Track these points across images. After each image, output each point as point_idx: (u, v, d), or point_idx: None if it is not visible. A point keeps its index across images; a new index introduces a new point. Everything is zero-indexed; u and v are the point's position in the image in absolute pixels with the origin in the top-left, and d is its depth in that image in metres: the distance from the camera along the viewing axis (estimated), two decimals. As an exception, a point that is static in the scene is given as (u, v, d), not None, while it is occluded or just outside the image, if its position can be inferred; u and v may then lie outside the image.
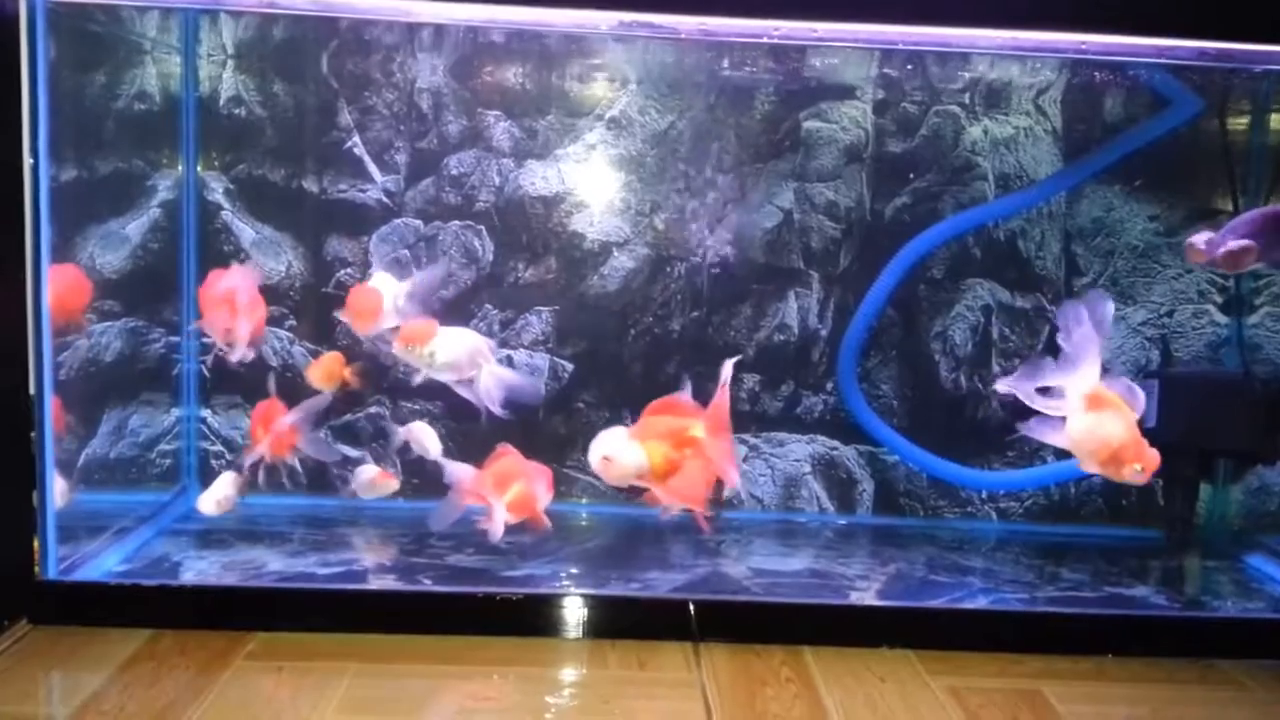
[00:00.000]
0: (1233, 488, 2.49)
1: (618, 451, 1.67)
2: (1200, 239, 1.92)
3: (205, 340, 2.31)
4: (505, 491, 1.82)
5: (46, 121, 1.74)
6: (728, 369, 1.71)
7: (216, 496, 2.01)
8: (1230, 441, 2.27)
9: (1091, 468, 1.65)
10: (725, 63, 2.40)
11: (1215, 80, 2.33)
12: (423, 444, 2.12)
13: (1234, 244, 1.80)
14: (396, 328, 1.90)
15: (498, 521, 1.79)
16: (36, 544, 1.83)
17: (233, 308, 1.91)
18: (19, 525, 1.81)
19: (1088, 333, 1.60)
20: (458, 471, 1.83)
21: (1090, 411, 1.62)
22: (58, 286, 1.82)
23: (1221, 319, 2.49)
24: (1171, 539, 2.40)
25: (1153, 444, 2.33)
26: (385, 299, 1.91)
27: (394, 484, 2.16)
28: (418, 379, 1.93)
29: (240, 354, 1.93)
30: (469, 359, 1.88)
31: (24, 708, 1.57)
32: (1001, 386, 1.68)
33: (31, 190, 1.74)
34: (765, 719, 1.60)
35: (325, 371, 2.10)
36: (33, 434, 1.80)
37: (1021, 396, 1.65)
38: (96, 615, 1.83)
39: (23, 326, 1.77)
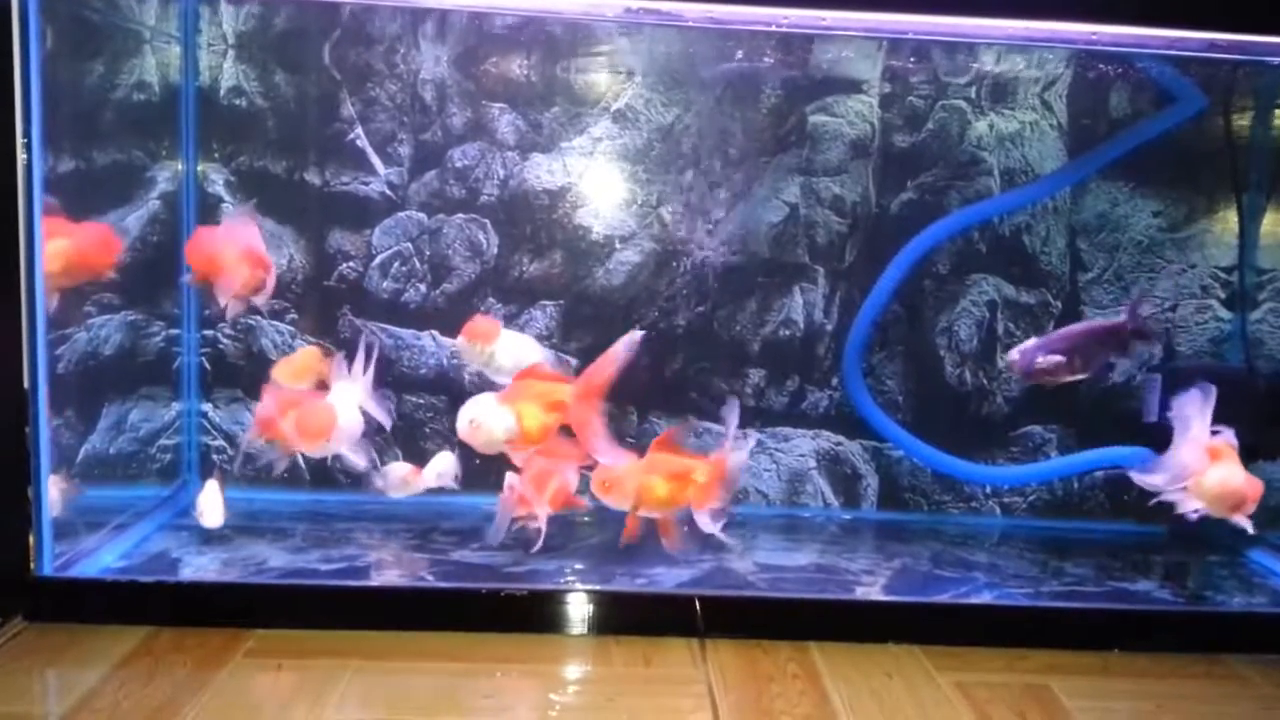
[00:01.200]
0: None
1: (485, 415, 1.67)
2: (1016, 351, 2.00)
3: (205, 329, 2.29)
4: (545, 492, 1.87)
5: (41, 112, 1.72)
6: (626, 340, 1.71)
7: (217, 507, 1.98)
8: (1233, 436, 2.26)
9: (1219, 512, 1.79)
10: (731, 56, 2.39)
11: (1220, 75, 2.32)
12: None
13: (1043, 360, 1.86)
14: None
15: (542, 524, 1.86)
16: (32, 540, 1.81)
17: (217, 261, 1.83)
18: (14, 521, 1.79)
19: (1196, 406, 1.76)
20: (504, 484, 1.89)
21: (1216, 466, 1.77)
22: (85, 242, 1.79)
23: (1225, 314, 2.49)
24: (1174, 534, 2.39)
25: (1156, 439, 2.34)
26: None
27: (425, 482, 2.10)
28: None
29: (234, 308, 1.86)
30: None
31: (18, 706, 1.55)
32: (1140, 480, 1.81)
33: (25, 182, 1.72)
34: (772, 716, 1.58)
35: (297, 369, 1.99)
36: (27, 429, 1.78)
37: (1161, 486, 1.80)
38: (93, 612, 1.81)
39: (17, 320, 1.74)
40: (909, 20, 1.83)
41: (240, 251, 1.83)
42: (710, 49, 2.38)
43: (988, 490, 2.53)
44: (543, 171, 2.39)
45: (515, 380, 1.75)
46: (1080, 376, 1.91)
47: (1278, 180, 2.45)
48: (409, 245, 2.40)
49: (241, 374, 2.38)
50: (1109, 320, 1.97)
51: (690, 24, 1.87)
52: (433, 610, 1.85)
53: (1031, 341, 2.00)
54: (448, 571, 1.99)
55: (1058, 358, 1.87)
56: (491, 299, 2.42)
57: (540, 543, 1.92)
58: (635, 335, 1.75)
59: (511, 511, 1.91)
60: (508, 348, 1.87)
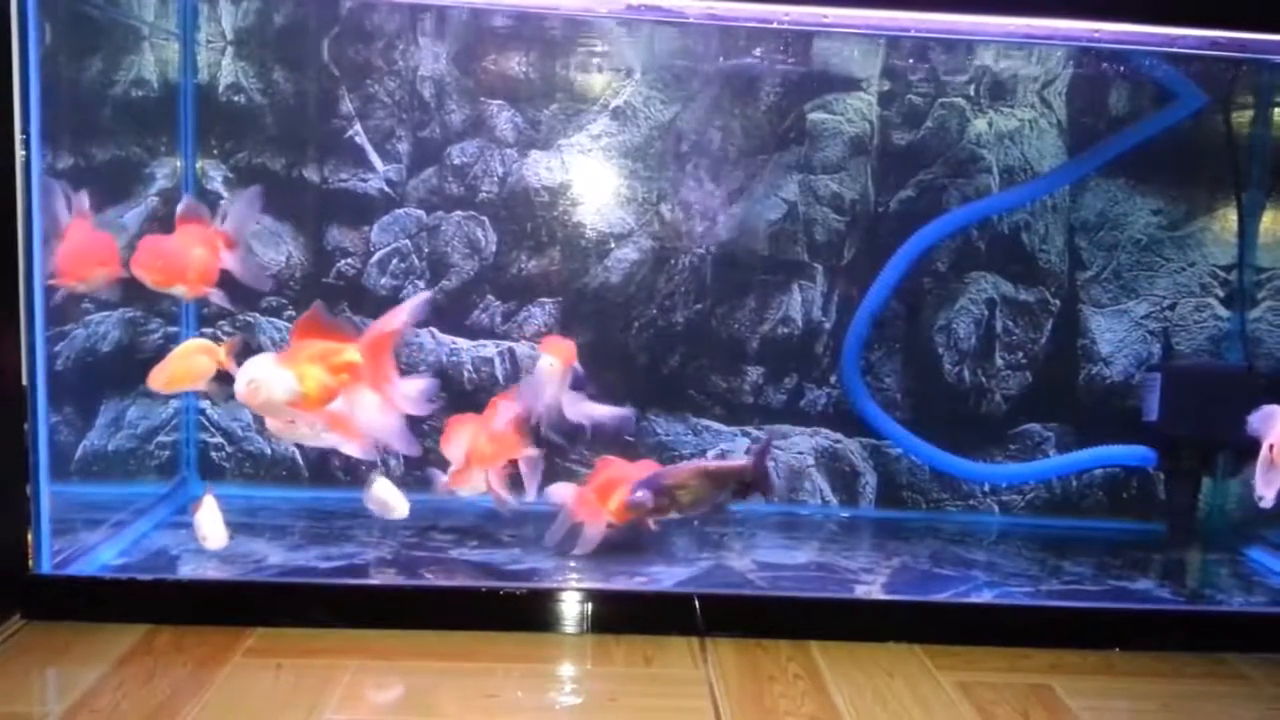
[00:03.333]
0: (1234, 481, 2.49)
1: (264, 376, 1.60)
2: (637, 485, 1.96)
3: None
4: (610, 501, 1.90)
5: (39, 108, 1.71)
6: (412, 301, 1.70)
7: (219, 529, 1.95)
8: (1232, 435, 2.26)
9: None
10: (730, 53, 2.38)
11: (1219, 73, 2.32)
12: (385, 504, 2.00)
13: (630, 497, 1.88)
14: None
15: (593, 533, 1.91)
16: (30, 537, 1.80)
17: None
18: (12, 518, 1.78)
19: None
20: (561, 491, 1.94)
21: None
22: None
23: (1224, 313, 2.49)
24: (1174, 532, 2.40)
25: (1154, 438, 2.34)
26: None
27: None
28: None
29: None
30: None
31: (16, 705, 1.54)
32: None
33: (24, 178, 1.71)
34: (775, 716, 1.58)
35: (172, 376, 1.85)
36: (26, 426, 1.77)
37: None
38: (91, 610, 1.80)
39: (15, 317, 1.73)
40: (909, 18, 1.83)
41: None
42: (710, 46, 2.37)
43: (986, 488, 2.53)
44: (541, 168, 2.39)
45: (295, 339, 1.66)
46: (685, 514, 1.92)
47: (1277, 178, 2.45)
48: (407, 242, 2.40)
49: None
50: (732, 463, 1.96)
51: (690, 20, 1.87)
52: (433, 609, 1.85)
53: (649, 474, 1.95)
54: (448, 570, 1.98)
55: (643, 493, 1.88)
56: (490, 296, 2.41)
57: (585, 547, 1.95)
58: (424, 295, 1.74)
59: (572, 516, 1.94)
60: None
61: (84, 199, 1.79)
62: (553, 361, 1.95)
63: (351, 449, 1.78)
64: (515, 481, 2.00)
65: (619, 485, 1.93)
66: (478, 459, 1.94)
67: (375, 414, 1.70)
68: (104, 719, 1.49)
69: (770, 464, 1.93)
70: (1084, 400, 2.50)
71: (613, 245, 2.41)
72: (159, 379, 1.85)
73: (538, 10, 2.25)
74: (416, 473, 2.38)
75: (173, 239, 1.81)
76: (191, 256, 1.80)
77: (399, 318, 1.68)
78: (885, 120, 2.43)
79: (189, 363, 1.85)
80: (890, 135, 2.43)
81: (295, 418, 1.70)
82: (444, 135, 2.38)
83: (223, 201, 2.27)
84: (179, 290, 1.81)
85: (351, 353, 1.65)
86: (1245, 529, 2.47)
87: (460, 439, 1.94)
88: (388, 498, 1.99)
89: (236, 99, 2.34)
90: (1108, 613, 1.96)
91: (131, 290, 2.25)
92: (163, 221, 2.32)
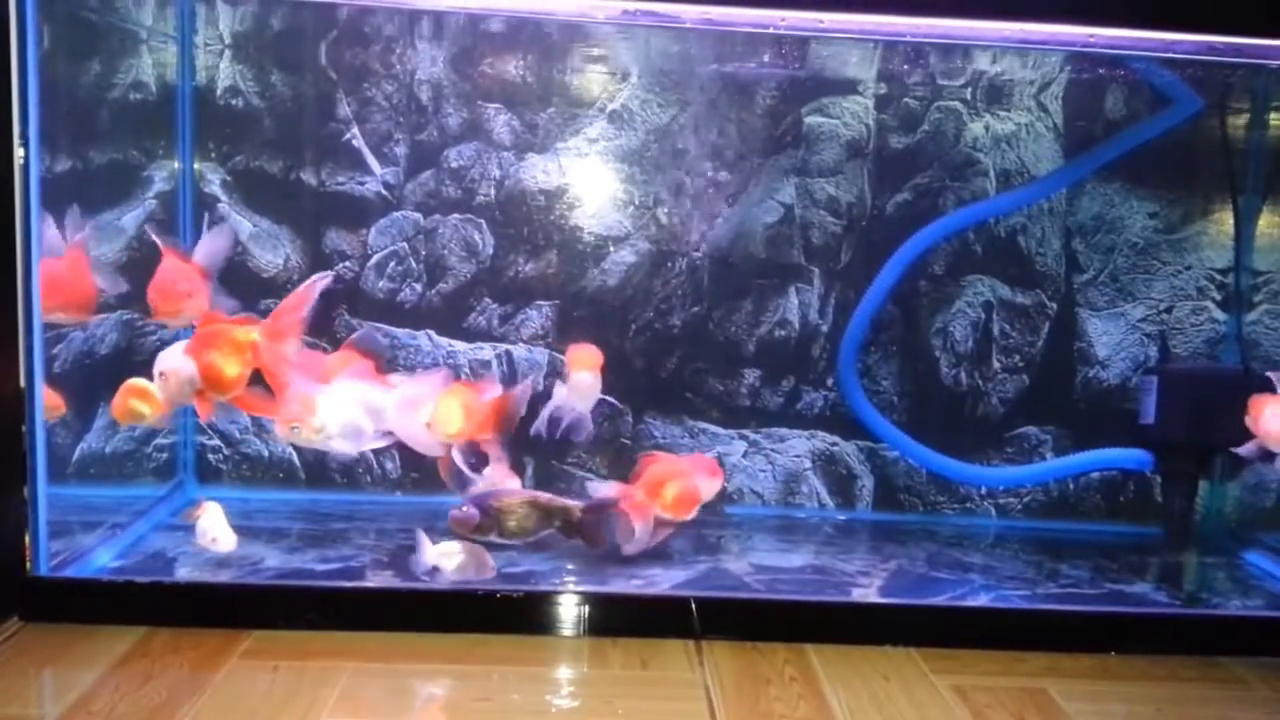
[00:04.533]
0: (1230, 484, 2.49)
1: (173, 366, 1.69)
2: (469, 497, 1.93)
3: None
4: (659, 497, 1.90)
5: (37, 110, 1.72)
6: (311, 282, 1.73)
7: (227, 531, 1.94)
8: (1229, 437, 2.27)
9: None
10: (727, 57, 2.39)
11: (1216, 78, 2.33)
12: (210, 534, 1.91)
13: (457, 511, 1.84)
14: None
15: (642, 531, 1.91)
16: (28, 539, 1.80)
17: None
18: (10, 520, 1.78)
19: None
20: (603, 490, 1.94)
21: None
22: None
23: (1220, 315, 2.49)
24: (1170, 535, 2.40)
25: (1151, 441, 2.35)
26: None
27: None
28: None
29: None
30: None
31: (12, 707, 1.54)
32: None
33: (22, 180, 1.72)
34: (771, 719, 1.58)
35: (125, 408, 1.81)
36: (24, 427, 1.77)
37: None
38: (89, 612, 1.80)
39: (13, 319, 1.74)
40: (905, 23, 1.82)
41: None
42: (706, 50, 2.38)
43: (983, 491, 2.54)
44: (538, 172, 2.39)
45: (199, 328, 1.72)
46: (507, 540, 1.88)
47: (1273, 182, 2.45)
48: (405, 245, 2.40)
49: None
50: (564, 501, 1.92)
51: (687, 25, 1.87)
52: (430, 612, 1.85)
53: (482, 488, 1.92)
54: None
55: (483, 515, 1.84)
56: (488, 299, 2.42)
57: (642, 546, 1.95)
58: (325, 276, 1.75)
59: (630, 515, 1.93)
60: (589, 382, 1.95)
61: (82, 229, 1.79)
62: (590, 378, 1.96)
63: (345, 448, 1.78)
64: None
65: (670, 480, 1.93)
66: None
67: (401, 418, 1.72)
68: (100, 721, 1.49)
69: (605, 517, 1.91)
70: (1081, 403, 2.50)
71: (609, 248, 2.42)
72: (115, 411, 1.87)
73: (534, 15, 2.25)
74: (414, 475, 2.40)
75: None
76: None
77: (300, 301, 1.71)
78: (882, 124, 2.43)
79: (124, 404, 1.85)
80: (887, 139, 2.43)
81: (299, 422, 1.71)
82: (441, 138, 2.38)
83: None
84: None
85: (250, 332, 1.71)
86: (1242, 532, 2.47)
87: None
88: (211, 529, 1.91)
89: (234, 102, 2.34)
90: (1103, 616, 1.96)
91: (128, 291, 2.27)
92: (162, 224, 2.33)
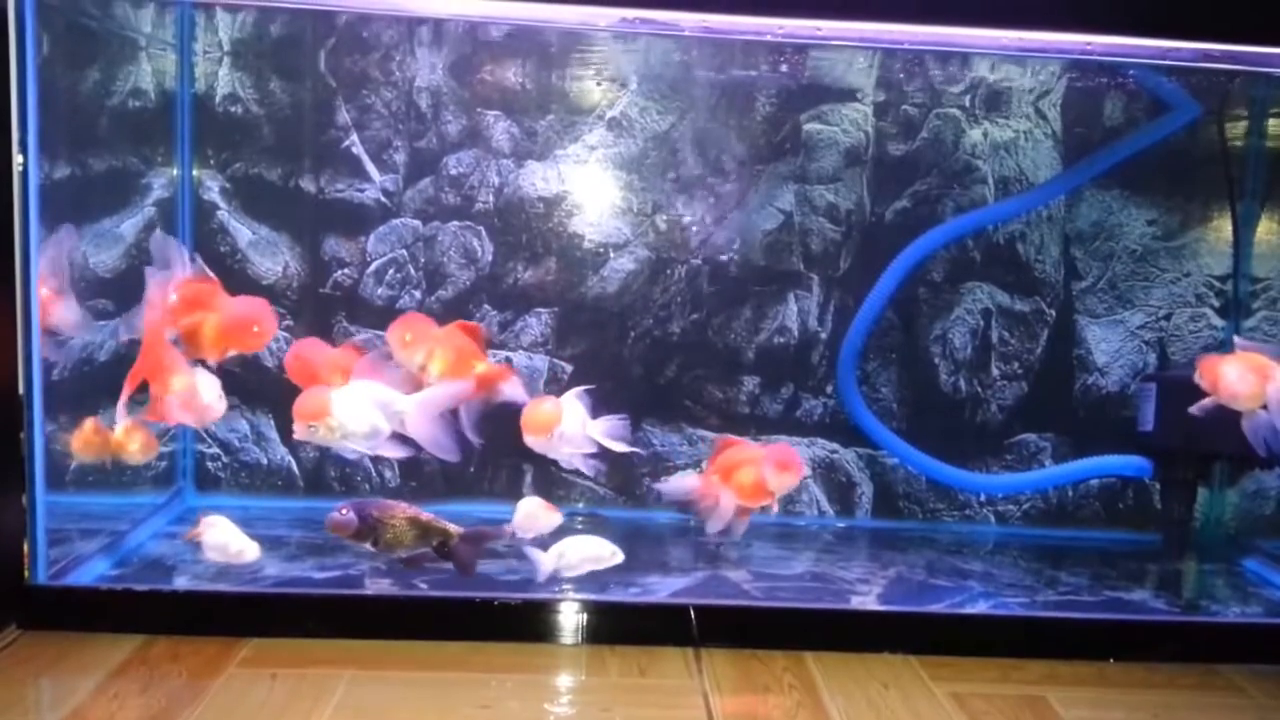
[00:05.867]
0: (1229, 491, 2.49)
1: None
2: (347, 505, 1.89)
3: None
4: (732, 481, 1.89)
5: (36, 117, 1.72)
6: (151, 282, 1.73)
7: (247, 541, 1.92)
8: (1228, 445, 2.27)
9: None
10: (726, 64, 2.39)
11: (1214, 84, 2.33)
12: (232, 546, 1.87)
13: (336, 515, 1.82)
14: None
15: (722, 514, 1.90)
16: (26, 547, 1.80)
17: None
18: (8, 528, 1.78)
19: None
20: (683, 483, 1.95)
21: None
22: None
23: (1219, 322, 2.49)
24: (1169, 542, 2.40)
25: (1150, 448, 2.34)
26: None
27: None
28: None
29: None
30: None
31: (11, 715, 1.54)
32: None
33: (20, 188, 1.72)
34: (769, 726, 1.59)
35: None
36: (22, 435, 1.77)
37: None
38: (87, 620, 1.80)
39: (12, 326, 1.74)
40: (903, 31, 1.83)
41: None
42: (705, 57, 2.38)
43: (982, 498, 2.53)
44: (537, 179, 2.39)
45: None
46: (380, 551, 1.86)
47: (1271, 189, 2.46)
48: (404, 252, 2.40)
49: (236, 381, 2.37)
50: (443, 523, 1.89)
51: (686, 33, 1.87)
52: (428, 619, 1.85)
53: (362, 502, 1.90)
54: (443, 580, 1.98)
55: (361, 522, 1.82)
56: (487, 306, 2.42)
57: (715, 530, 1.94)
58: (161, 276, 1.74)
59: (710, 503, 1.92)
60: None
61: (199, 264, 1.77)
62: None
63: (362, 449, 1.77)
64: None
65: (744, 465, 1.91)
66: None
67: (423, 423, 1.73)
68: (98, 730, 1.49)
69: (480, 549, 1.90)
70: (1080, 410, 2.50)
71: (609, 255, 2.42)
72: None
73: (533, 23, 2.25)
74: (412, 484, 2.40)
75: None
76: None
77: (149, 302, 1.71)
78: (881, 131, 2.43)
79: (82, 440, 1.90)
80: (886, 146, 2.44)
81: (316, 421, 1.71)
82: (440, 146, 2.38)
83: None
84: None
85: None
86: (1241, 539, 2.47)
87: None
88: (232, 541, 1.87)
89: (233, 109, 2.34)
90: (1101, 624, 1.96)
91: (126, 298, 2.27)
92: (161, 228, 2.33)
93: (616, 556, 1.90)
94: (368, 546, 1.84)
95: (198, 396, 1.75)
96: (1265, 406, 1.89)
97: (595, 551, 1.89)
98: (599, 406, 1.89)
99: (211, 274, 1.75)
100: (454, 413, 1.80)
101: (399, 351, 1.80)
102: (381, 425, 1.72)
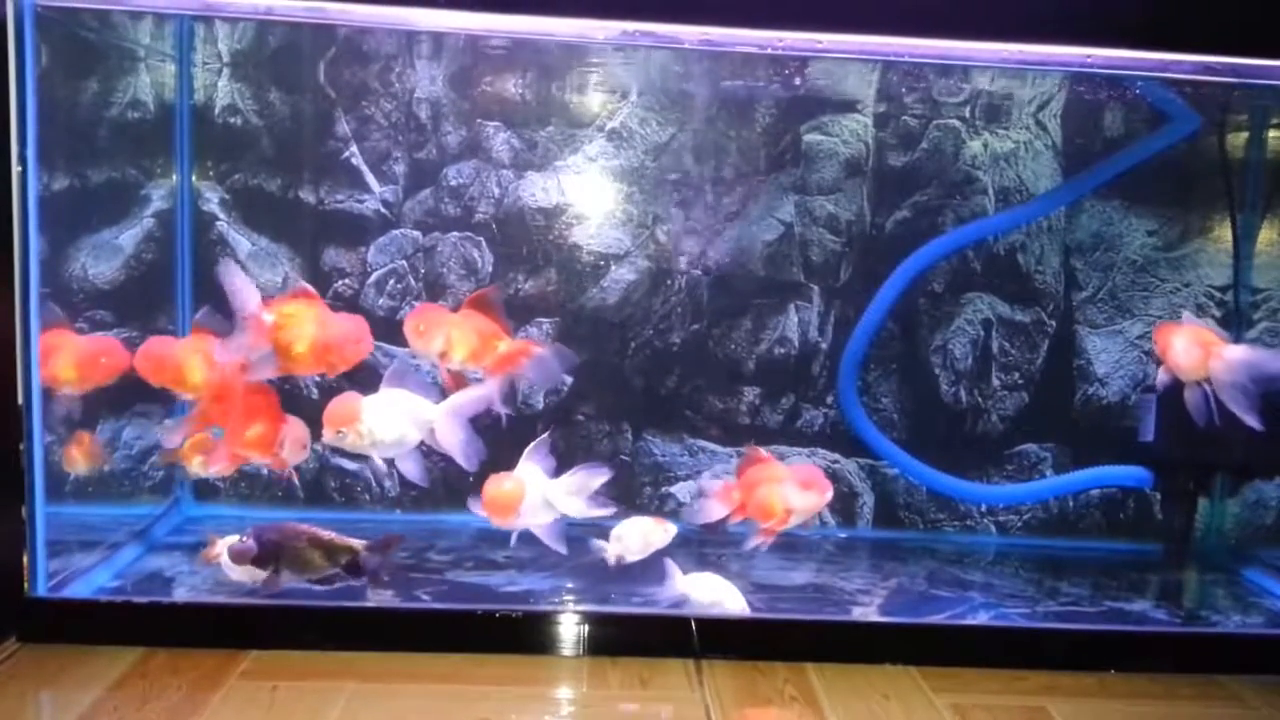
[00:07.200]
0: (1230, 502, 2.49)
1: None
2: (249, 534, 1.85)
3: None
4: (755, 502, 1.85)
5: (35, 129, 1.72)
6: None
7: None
8: (1228, 455, 2.27)
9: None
10: (726, 75, 2.39)
11: (1214, 96, 2.34)
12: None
13: (236, 543, 1.78)
14: None
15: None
16: (26, 559, 1.79)
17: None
18: (8, 540, 1.78)
19: None
20: (709, 510, 1.89)
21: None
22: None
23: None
24: (1170, 553, 2.40)
25: (1150, 458, 2.34)
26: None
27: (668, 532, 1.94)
28: None
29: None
30: None
31: (11, 728, 1.54)
32: None
33: (20, 199, 1.72)
34: (770, 739, 1.58)
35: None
36: (21, 446, 1.77)
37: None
38: (87, 633, 1.79)
39: (11, 337, 1.73)
40: (903, 43, 1.83)
41: None
42: (705, 69, 2.39)
43: (983, 509, 2.53)
44: (537, 190, 2.40)
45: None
46: (293, 577, 1.81)
47: (1271, 200, 2.46)
48: (404, 263, 2.40)
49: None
50: (346, 539, 1.85)
51: (686, 46, 1.87)
52: (429, 632, 1.84)
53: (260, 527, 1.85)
54: (443, 592, 1.98)
55: (261, 547, 1.77)
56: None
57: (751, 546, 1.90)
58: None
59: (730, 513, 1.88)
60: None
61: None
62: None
63: (391, 455, 1.76)
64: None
65: (762, 485, 1.85)
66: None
67: (450, 430, 1.72)
68: (98, 743, 1.49)
69: (387, 558, 1.87)
70: (1080, 421, 2.50)
71: (609, 266, 2.42)
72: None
73: (534, 36, 2.26)
74: (412, 493, 2.39)
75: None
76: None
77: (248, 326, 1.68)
78: (881, 142, 2.44)
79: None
80: (886, 157, 2.44)
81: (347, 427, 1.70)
82: (440, 156, 2.39)
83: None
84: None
85: None
86: (1241, 550, 2.47)
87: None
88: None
89: (233, 120, 2.35)
90: (1102, 634, 1.96)
91: (125, 310, 2.27)
92: (159, 241, 2.33)
93: (670, 532, 1.88)
94: (268, 573, 1.77)
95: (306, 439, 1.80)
96: (1209, 380, 1.91)
97: (648, 530, 1.88)
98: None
99: (313, 290, 1.74)
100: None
101: (416, 344, 1.77)
102: (410, 433, 1.71)
